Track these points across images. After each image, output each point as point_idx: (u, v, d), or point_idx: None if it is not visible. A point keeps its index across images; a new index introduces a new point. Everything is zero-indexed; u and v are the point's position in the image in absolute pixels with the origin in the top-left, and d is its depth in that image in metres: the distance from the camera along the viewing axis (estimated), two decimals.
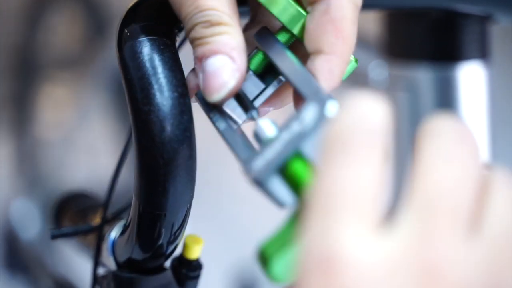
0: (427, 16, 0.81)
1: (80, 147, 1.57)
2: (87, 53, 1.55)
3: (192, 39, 0.52)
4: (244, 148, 0.50)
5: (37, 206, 1.50)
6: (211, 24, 0.51)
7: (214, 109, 0.53)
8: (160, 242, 0.56)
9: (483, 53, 0.83)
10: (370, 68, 0.84)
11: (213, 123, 0.53)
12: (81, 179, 1.53)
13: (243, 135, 0.52)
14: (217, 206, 1.52)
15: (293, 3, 0.52)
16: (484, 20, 0.80)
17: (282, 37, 0.53)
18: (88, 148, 1.58)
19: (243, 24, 0.58)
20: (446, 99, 0.83)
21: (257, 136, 0.49)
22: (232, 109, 0.53)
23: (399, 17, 0.82)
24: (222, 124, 0.52)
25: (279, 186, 0.44)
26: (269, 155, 0.45)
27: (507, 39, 1.06)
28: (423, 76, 0.82)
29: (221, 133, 0.52)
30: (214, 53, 0.51)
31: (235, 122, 0.53)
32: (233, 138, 0.51)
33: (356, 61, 0.54)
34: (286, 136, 0.45)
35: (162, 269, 0.59)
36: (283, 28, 0.53)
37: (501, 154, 0.86)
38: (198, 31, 0.52)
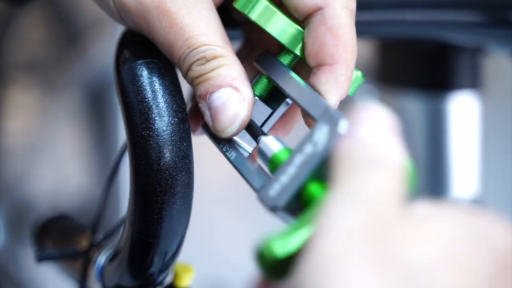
0: (420, 46, 0.80)
1: (46, 157, 1.55)
2: (56, 61, 1.53)
3: (191, 79, 0.51)
4: (257, 176, 0.49)
5: (0, 217, 1.47)
6: (206, 59, 0.50)
7: (222, 140, 0.52)
8: (151, 270, 0.55)
9: (474, 84, 0.83)
10: (357, 94, 0.83)
11: (223, 153, 0.52)
12: (46, 191, 1.51)
13: (255, 162, 0.51)
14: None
15: (292, 22, 0.51)
16: (476, 52, 0.80)
17: (285, 59, 0.52)
18: (54, 158, 1.55)
19: (237, 47, 0.57)
20: (436, 130, 0.82)
21: (262, 153, 0.48)
22: (241, 137, 0.52)
23: (392, 45, 0.82)
24: (232, 154, 0.51)
25: (297, 212, 0.43)
26: (284, 180, 0.44)
27: (500, 71, 1.06)
28: (413, 106, 0.82)
29: (232, 163, 0.51)
30: (217, 87, 0.50)
31: (245, 150, 0.52)
32: (245, 167, 0.50)
33: (363, 76, 0.53)
34: (299, 158, 0.43)
35: None
36: (285, 50, 0.52)
37: (493, 186, 0.86)
38: (196, 70, 0.51)
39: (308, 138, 0.44)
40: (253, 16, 0.51)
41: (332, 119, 0.44)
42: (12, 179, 1.53)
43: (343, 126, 0.43)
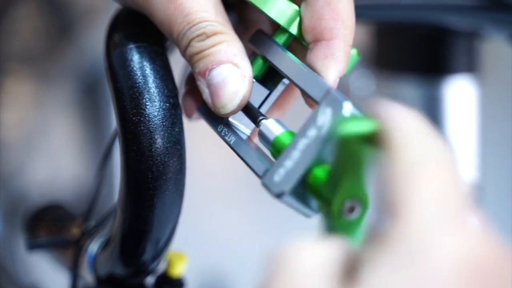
0: (416, 31, 0.80)
1: (40, 148, 1.54)
2: (50, 52, 1.52)
3: (190, 55, 0.50)
4: (258, 160, 0.48)
5: None
6: (207, 36, 0.49)
7: (220, 123, 0.51)
8: (143, 258, 0.54)
9: (471, 68, 0.82)
10: (352, 79, 0.82)
11: (222, 137, 0.50)
12: (41, 182, 1.50)
13: (254, 145, 0.50)
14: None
15: (288, 1, 0.50)
16: (473, 36, 0.79)
17: (280, 39, 0.51)
18: (49, 149, 1.54)
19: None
20: (432, 115, 0.81)
21: (263, 136, 0.47)
22: (239, 119, 0.51)
23: (388, 30, 0.81)
24: (232, 138, 0.50)
25: (302, 197, 0.42)
26: (289, 165, 0.43)
27: (497, 55, 1.05)
28: (409, 91, 0.81)
29: (232, 147, 0.50)
30: (217, 63, 0.49)
31: (243, 133, 0.51)
32: (245, 151, 0.49)
33: (359, 54, 0.52)
34: (303, 143, 0.43)
35: (142, 286, 0.57)
36: (279, 29, 0.51)
37: (491, 171, 0.85)
38: (195, 46, 0.50)
39: (312, 121, 0.43)
40: None
41: (335, 102, 0.43)
42: (7, 171, 1.52)
43: (347, 108, 0.42)
